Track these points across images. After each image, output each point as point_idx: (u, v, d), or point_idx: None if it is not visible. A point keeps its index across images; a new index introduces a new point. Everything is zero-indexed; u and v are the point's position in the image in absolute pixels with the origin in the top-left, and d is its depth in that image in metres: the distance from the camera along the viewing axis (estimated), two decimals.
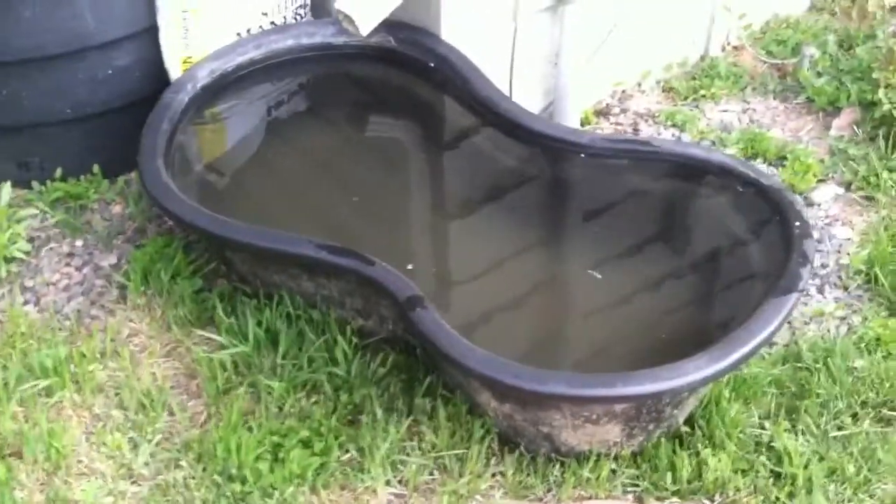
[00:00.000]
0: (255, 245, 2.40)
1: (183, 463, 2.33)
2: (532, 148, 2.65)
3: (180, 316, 2.67)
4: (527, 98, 3.28)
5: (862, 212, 3.08)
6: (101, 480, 2.32)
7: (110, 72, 2.96)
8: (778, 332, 2.20)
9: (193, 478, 2.29)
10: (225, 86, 2.87)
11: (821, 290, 2.84)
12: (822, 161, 3.25)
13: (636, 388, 2.00)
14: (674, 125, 3.38)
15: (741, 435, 2.37)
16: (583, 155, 2.60)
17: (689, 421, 2.39)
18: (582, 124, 3.37)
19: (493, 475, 2.33)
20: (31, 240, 2.96)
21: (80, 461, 2.35)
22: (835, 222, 3.06)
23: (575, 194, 2.68)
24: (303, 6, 3.16)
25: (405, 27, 2.97)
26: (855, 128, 3.34)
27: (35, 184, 3.10)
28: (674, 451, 2.32)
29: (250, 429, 2.38)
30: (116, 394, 2.52)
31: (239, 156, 2.85)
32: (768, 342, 2.21)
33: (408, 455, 2.34)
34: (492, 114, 2.70)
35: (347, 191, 2.62)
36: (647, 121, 3.41)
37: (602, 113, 3.45)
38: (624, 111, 3.46)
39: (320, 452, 2.33)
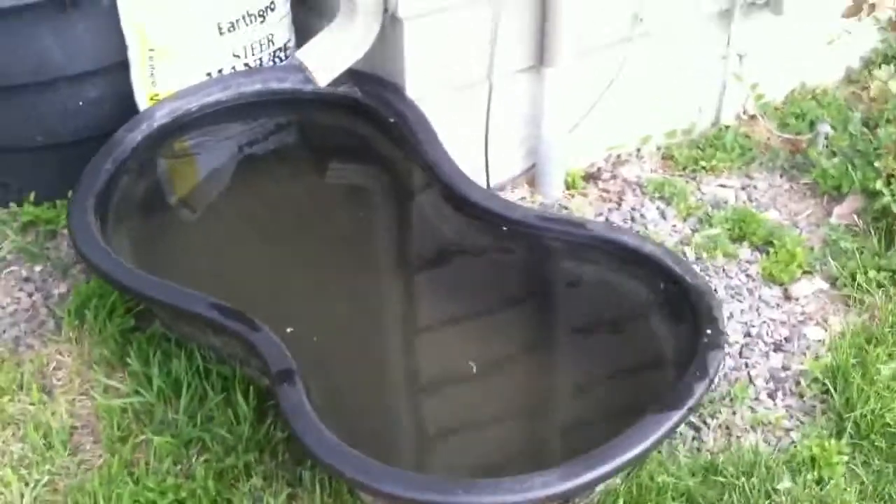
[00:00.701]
0: (157, 299, 2.38)
1: None
2: (465, 217, 2.56)
3: (104, 355, 2.68)
4: (506, 159, 3.20)
5: (842, 312, 2.87)
6: None
7: (81, 103, 3.00)
8: (651, 451, 2.05)
9: None
10: (183, 126, 2.86)
11: (772, 396, 2.66)
12: (811, 250, 3.04)
13: (474, 498, 1.89)
14: (661, 197, 3.22)
15: None
16: (511, 230, 2.49)
17: None
18: (567, 188, 3.26)
19: None
20: None
21: None
22: (809, 321, 2.86)
23: (492, 271, 2.58)
24: (282, 49, 3.13)
25: (373, 80, 2.92)
26: (856, 217, 3.12)
27: (13, 206, 3.16)
28: None
29: (136, 482, 2.35)
30: (21, 428, 2.52)
31: (182, 199, 2.84)
32: (637, 462, 2.06)
33: None
34: (434, 178, 2.62)
35: (276, 243, 2.59)
36: (634, 190, 3.26)
37: (591, 177, 3.32)
38: (614, 177, 3.32)
39: None
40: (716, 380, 2.22)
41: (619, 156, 3.38)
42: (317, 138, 3.05)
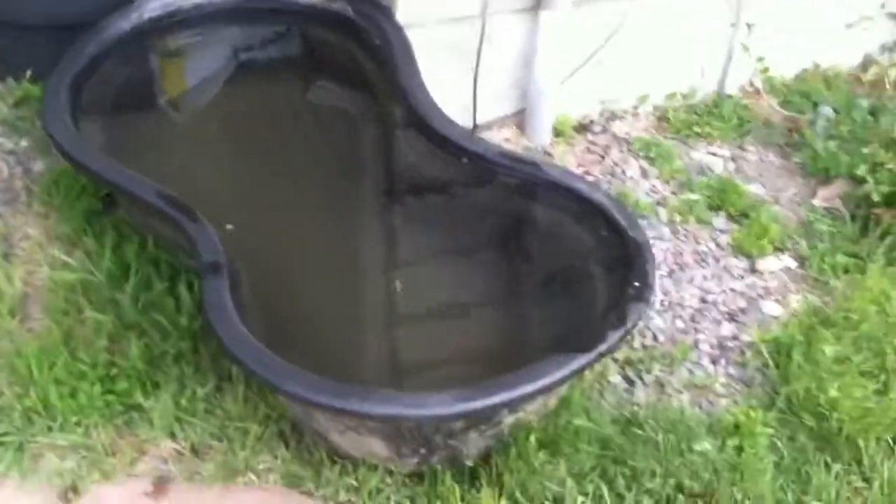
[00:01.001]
0: (109, 181, 2.42)
1: None
2: (427, 144, 2.56)
3: (66, 232, 2.73)
4: (496, 99, 3.18)
5: (804, 292, 2.84)
6: None
7: None
8: (549, 391, 2.07)
9: None
10: (174, 22, 2.88)
11: (715, 362, 2.65)
12: (787, 228, 3.01)
13: (366, 407, 1.92)
14: (646, 157, 3.21)
15: (536, 486, 2.24)
16: (470, 161, 2.49)
17: (487, 458, 2.27)
18: (557, 135, 3.25)
19: (276, 457, 2.28)
20: None
21: None
22: (768, 296, 2.84)
23: (443, 199, 2.59)
24: None
25: (367, 0, 2.91)
26: (840, 202, 3.08)
27: (10, 80, 3.21)
28: (454, 485, 2.21)
29: (71, 353, 2.41)
30: None
31: (158, 94, 2.88)
32: (529, 399, 2.07)
33: (194, 416, 2.32)
34: (403, 103, 2.62)
35: (238, 148, 2.61)
36: (621, 146, 3.25)
37: (583, 128, 3.31)
38: (605, 131, 3.30)
39: (119, 393, 2.34)
40: (633, 331, 2.22)
41: (613, 111, 3.35)
42: (303, 51, 3.06)
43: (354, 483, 2.23)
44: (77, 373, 2.37)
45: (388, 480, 2.24)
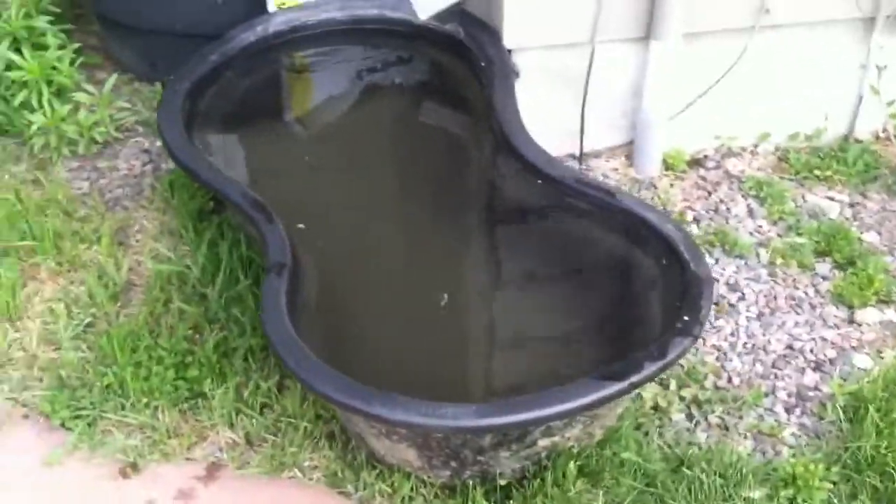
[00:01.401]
0: (205, 180, 2.59)
1: (87, 345, 2.59)
2: (508, 164, 2.61)
3: (177, 228, 2.93)
4: (605, 129, 3.19)
5: None
6: (22, 334, 2.64)
7: (220, 1, 3.24)
8: (572, 415, 2.06)
9: (84, 360, 2.54)
10: (297, 38, 3.05)
11: (789, 411, 2.56)
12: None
13: (387, 411, 1.98)
14: (756, 196, 3.13)
15: None
16: (547, 185, 2.52)
17: (522, 479, 2.29)
18: (667, 168, 3.22)
19: (323, 457, 2.38)
20: (126, 129, 3.34)
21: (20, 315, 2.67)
22: (861, 348, 2.71)
23: (517, 218, 2.63)
24: None
25: (478, 23, 3.00)
26: None
27: (158, 84, 3.48)
28: (484, 502, 2.24)
29: (154, 338, 2.59)
30: (87, 273, 2.81)
31: (272, 103, 3.04)
32: (548, 420, 2.06)
33: (253, 409, 2.44)
34: (493, 124, 2.68)
35: (341, 162, 2.75)
36: (731, 183, 3.18)
37: (696, 163, 3.26)
38: (718, 167, 3.25)
39: (189, 379, 2.50)
40: (672, 364, 2.17)
41: (730, 148, 3.29)
42: (414, 69, 3.16)
43: (388, 489, 2.28)
44: (156, 357, 2.53)
45: (422, 490, 2.28)
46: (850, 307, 2.81)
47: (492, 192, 2.72)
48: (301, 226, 2.45)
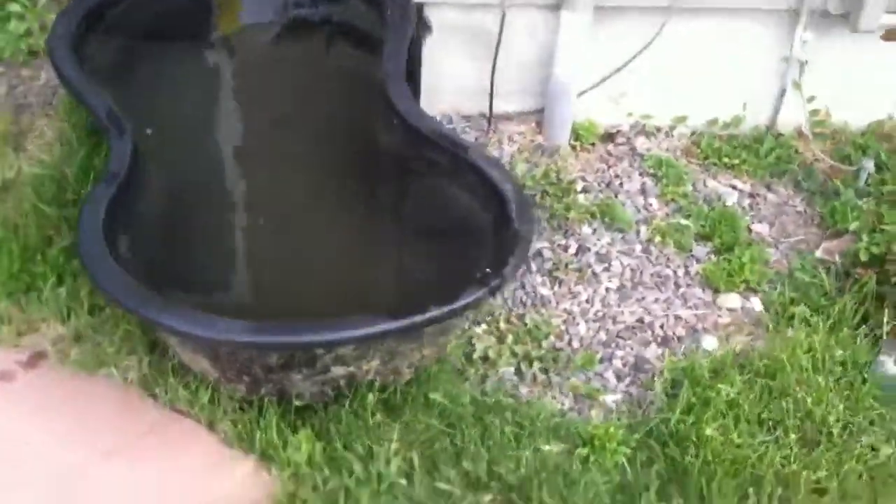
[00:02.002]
0: (74, 93, 2.67)
1: None
2: (382, 110, 2.64)
3: (69, 137, 3.00)
4: (516, 93, 3.18)
5: (751, 336, 2.66)
6: None
7: None
8: (342, 345, 2.10)
9: None
10: None
11: (620, 378, 2.55)
12: (767, 272, 2.82)
13: (161, 317, 2.02)
14: (653, 175, 3.10)
15: (359, 441, 2.26)
16: (409, 134, 2.55)
17: (323, 404, 2.31)
18: (577, 139, 3.20)
19: (140, 361, 2.42)
20: None
21: None
22: (713, 331, 2.68)
23: (371, 156, 2.71)
24: None
25: None
26: (838, 257, 2.85)
27: None
28: (276, 419, 2.27)
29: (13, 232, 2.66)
30: None
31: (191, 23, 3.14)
32: (320, 347, 2.10)
33: (85, 310, 2.50)
34: (379, 70, 2.72)
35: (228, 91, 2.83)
36: (633, 160, 3.15)
37: (608, 137, 3.24)
38: (626, 144, 3.22)
39: (33, 274, 2.57)
40: (460, 312, 2.18)
41: (644, 126, 3.26)
42: (335, 14, 3.20)
43: (189, 396, 2.32)
44: (6, 250, 2.60)
45: (222, 401, 2.32)
46: (716, 291, 2.77)
47: (356, 131, 2.76)
48: (149, 131, 2.49)
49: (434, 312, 2.08)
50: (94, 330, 2.48)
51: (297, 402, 2.29)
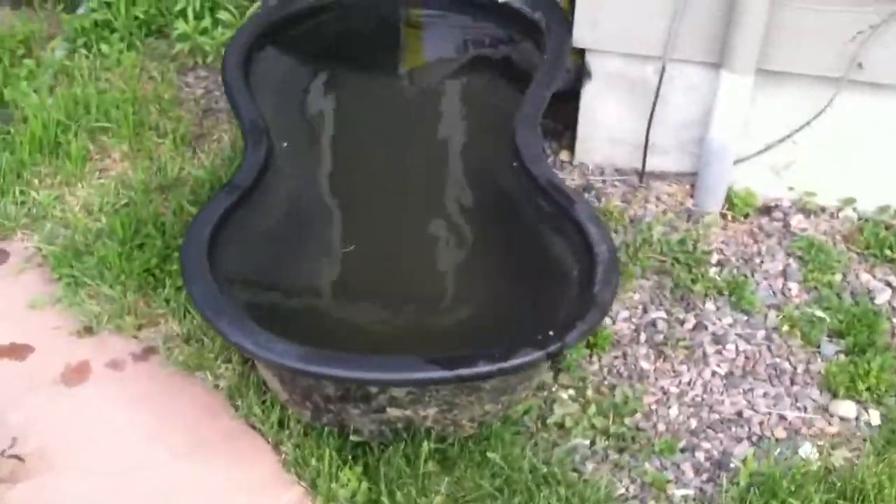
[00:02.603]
0: (230, 100, 2.86)
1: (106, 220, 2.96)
2: (506, 152, 2.68)
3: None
4: (675, 151, 3.12)
5: (854, 455, 2.48)
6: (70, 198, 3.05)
7: None
8: (392, 385, 2.15)
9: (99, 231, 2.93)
10: None
11: (698, 472, 2.45)
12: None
13: (228, 330, 2.15)
14: (800, 258, 2.93)
15: (406, 488, 2.30)
16: (523, 178, 2.57)
17: (380, 444, 2.38)
18: (731, 207, 3.08)
19: (234, 371, 2.58)
20: None
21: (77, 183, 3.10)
22: (816, 439, 2.52)
23: (486, 195, 2.77)
24: None
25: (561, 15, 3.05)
26: None
27: None
28: (330, 451, 2.36)
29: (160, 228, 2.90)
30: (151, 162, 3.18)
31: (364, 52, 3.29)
32: (370, 384, 2.15)
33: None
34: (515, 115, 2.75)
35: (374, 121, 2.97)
36: (784, 238, 2.99)
37: (765, 210, 3.09)
38: (782, 220, 3.05)
39: (166, 272, 2.79)
40: (511, 371, 2.16)
41: (806, 204, 3.08)
42: (492, 46, 3.26)
43: (261, 413, 2.44)
44: (149, 245, 2.83)
45: (290, 422, 2.43)
46: (834, 395, 2.59)
47: (477, 168, 2.82)
48: (285, 144, 2.64)
49: (484, 368, 2.09)
50: (203, 333, 2.65)
51: (354, 438, 2.35)
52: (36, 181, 3.11)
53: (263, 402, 2.47)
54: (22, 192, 3.05)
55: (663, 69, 2.93)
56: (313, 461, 2.34)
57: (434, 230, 2.69)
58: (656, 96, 2.98)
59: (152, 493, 2.33)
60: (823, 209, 3.07)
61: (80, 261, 2.83)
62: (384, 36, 3.28)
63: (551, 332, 2.14)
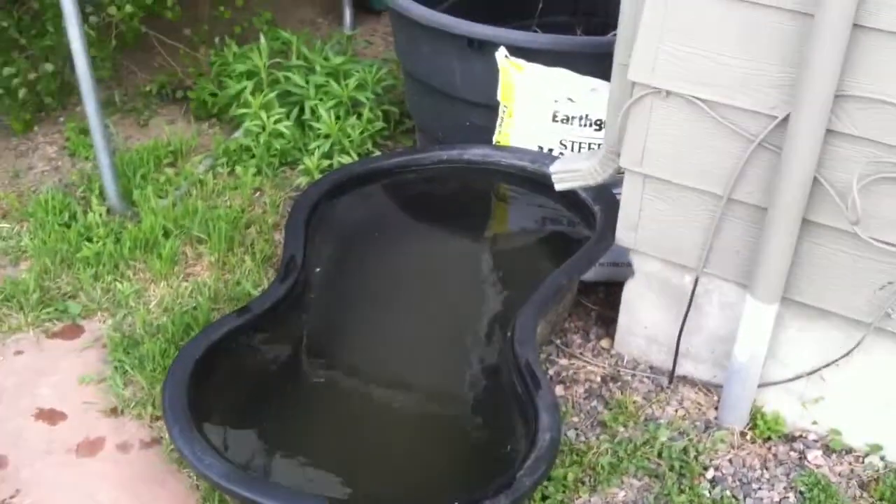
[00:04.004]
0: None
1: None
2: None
3: None
4: (707, 361, 3.14)
5: None
6: (150, 293, 3.44)
7: (468, 123, 3.75)
8: None
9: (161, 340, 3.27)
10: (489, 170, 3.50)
11: None
12: None
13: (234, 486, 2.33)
14: (802, 494, 2.86)
15: None
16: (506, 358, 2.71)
17: None
18: (754, 427, 3.05)
19: None
20: None
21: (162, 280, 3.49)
22: None
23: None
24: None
25: (607, 199, 3.22)
26: None
27: None
28: None
29: None
30: (232, 276, 3.53)
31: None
32: None
33: None
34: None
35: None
36: (793, 470, 2.92)
37: (789, 438, 3.04)
38: (800, 452, 2.99)
39: None
40: None
41: (830, 441, 3.00)
42: (550, 227, 3.44)
43: None
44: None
45: None
46: None
47: (484, 340, 2.95)
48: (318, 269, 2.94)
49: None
50: None
51: None
52: (130, 273, 3.50)
53: None
54: (113, 281, 3.45)
55: (696, 281, 2.98)
56: None
57: (421, 384, 2.82)
58: (689, 306, 3.02)
59: None
60: (849, 450, 2.98)
61: (131, 350, 3.16)
62: (456, 202, 3.50)
63: (456, 503, 2.23)
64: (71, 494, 2.75)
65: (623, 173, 3.02)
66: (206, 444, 2.36)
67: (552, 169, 3.16)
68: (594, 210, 3.23)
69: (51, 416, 2.99)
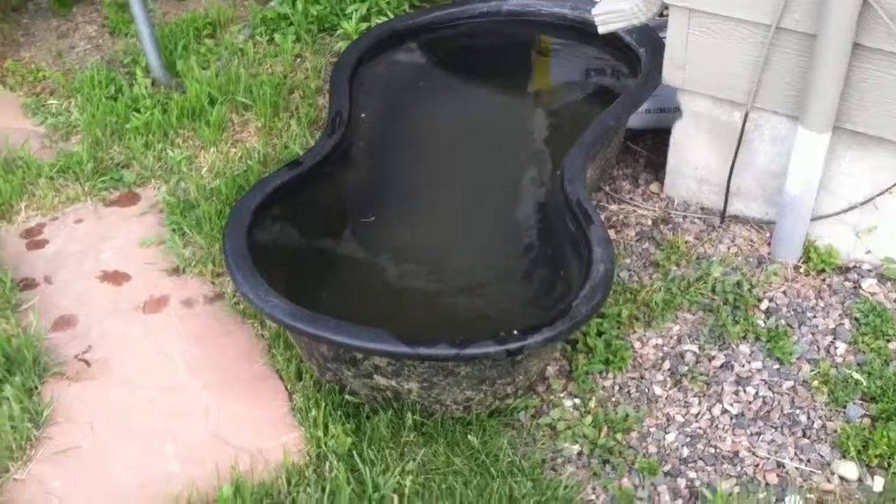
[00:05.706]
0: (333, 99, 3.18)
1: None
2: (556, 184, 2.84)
3: None
4: (759, 198, 3.14)
5: None
6: (202, 159, 3.48)
7: None
8: (351, 350, 2.36)
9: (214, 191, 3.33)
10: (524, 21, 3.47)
11: (674, 497, 2.50)
12: None
13: (241, 283, 2.43)
14: (857, 320, 2.88)
15: (376, 453, 2.51)
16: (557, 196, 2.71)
17: (374, 407, 2.60)
18: (807, 260, 3.07)
19: None
20: None
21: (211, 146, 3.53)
22: (806, 492, 2.50)
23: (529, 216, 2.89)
24: None
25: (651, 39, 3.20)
26: None
27: None
28: (337, 413, 2.61)
29: None
30: (278, 141, 3.56)
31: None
32: (339, 346, 2.36)
33: None
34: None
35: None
36: (847, 298, 2.94)
37: (843, 270, 3.05)
38: (854, 281, 3.01)
39: None
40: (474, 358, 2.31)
41: (886, 270, 3.01)
42: (588, 69, 3.42)
43: (284, 363, 2.73)
44: None
45: (304, 376, 2.69)
46: (843, 455, 2.56)
47: (534, 183, 2.99)
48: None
49: (438, 352, 2.26)
50: None
51: (350, 398, 2.58)
52: (180, 141, 3.54)
53: (289, 354, 2.73)
54: (164, 149, 3.49)
55: (746, 116, 2.96)
56: (313, 411, 2.57)
57: (472, 225, 2.87)
58: (739, 142, 3.01)
59: (175, 412, 2.65)
60: None
61: (187, 213, 3.21)
62: (498, 54, 3.49)
63: (516, 332, 2.28)
64: (140, 348, 2.83)
65: (667, 14, 2.98)
66: (269, 287, 2.40)
67: (594, 11, 3.12)
68: (639, 53, 3.21)
69: (115, 278, 3.06)
